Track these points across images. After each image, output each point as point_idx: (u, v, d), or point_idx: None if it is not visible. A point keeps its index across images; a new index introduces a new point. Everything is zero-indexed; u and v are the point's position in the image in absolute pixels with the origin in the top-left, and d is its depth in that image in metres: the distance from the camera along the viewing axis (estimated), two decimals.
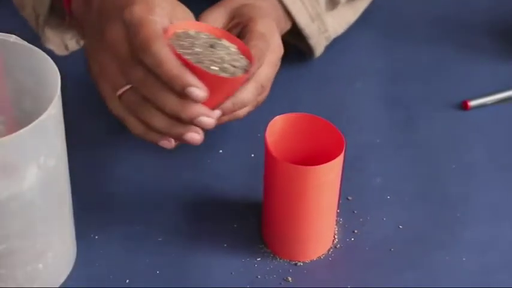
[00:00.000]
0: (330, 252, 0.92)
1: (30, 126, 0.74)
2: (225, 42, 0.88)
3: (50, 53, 0.87)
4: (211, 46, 0.86)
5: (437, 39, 1.21)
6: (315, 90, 1.12)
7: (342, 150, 0.85)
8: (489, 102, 1.10)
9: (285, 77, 1.09)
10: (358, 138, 1.04)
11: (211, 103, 0.85)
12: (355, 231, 0.94)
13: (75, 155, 1.02)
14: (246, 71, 0.85)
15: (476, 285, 0.89)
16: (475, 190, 0.99)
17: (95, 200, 0.97)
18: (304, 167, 0.85)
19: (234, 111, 0.89)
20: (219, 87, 0.84)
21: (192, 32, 0.87)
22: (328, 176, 0.85)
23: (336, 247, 0.93)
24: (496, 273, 0.91)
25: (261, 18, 0.92)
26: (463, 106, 1.10)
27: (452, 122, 1.08)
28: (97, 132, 1.05)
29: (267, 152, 0.86)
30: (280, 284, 0.89)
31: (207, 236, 0.93)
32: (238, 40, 0.88)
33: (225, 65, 0.85)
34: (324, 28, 1.07)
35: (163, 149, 0.88)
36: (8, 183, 0.76)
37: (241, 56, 0.87)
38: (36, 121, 0.75)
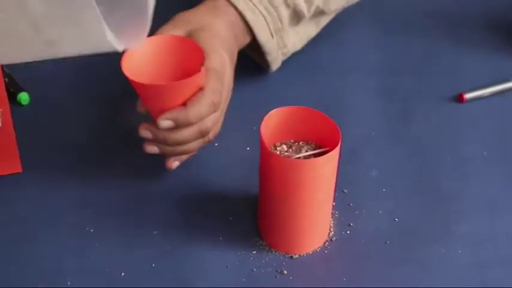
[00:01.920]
0: (325, 245, 0.92)
1: None
2: None
3: None
4: None
5: (433, 32, 1.21)
6: (311, 84, 1.12)
7: (338, 143, 0.85)
8: (485, 95, 1.10)
9: (279, 70, 1.10)
10: (354, 131, 1.04)
11: (165, 106, 0.90)
12: (351, 224, 0.94)
13: (71, 149, 1.02)
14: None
15: (472, 277, 0.90)
16: (471, 183, 0.99)
17: (90, 194, 0.97)
18: (299, 160, 0.85)
19: (188, 121, 0.90)
20: (171, 93, 0.89)
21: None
22: (324, 169, 0.85)
23: (331, 240, 0.93)
24: (491, 266, 0.91)
25: (214, 54, 0.93)
26: (459, 99, 1.10)
27: (448, 114, 1.08)
28: (93, 126, 1.05)
29: (262, 146, 0.86)
30: (276, 276, 0.89)
31: (202, 229, 0.93)
32: (194, 44, 0.92)
33: None
34: (282, 44, 1.07)
35: None
36: None
37: None
38: None
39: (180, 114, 0.90)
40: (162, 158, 0.97)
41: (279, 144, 0.90)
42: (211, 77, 0.92)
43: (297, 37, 1.10)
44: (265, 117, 0.87)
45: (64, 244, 0.92)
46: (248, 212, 0.95)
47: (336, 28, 1.16)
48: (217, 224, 0.94)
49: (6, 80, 1.07)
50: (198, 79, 0.89)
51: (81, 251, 0.91)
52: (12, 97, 1.06)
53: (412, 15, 1.24)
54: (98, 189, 0.97)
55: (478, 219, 0.95)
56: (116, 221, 0.94)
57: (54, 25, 0.77)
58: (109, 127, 1.05)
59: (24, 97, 1.07)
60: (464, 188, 0.99)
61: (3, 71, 1.08)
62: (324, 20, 1.13)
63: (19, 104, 1.07)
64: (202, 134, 0.93)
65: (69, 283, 0.88)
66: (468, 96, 1.09)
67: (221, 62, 0.94)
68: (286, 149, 0.90)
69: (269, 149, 0.86)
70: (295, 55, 1.12)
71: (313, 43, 1.13)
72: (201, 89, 0.91)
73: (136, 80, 0.88)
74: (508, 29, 1.20)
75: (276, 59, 1.08)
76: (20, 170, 0.99)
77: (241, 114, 1.06)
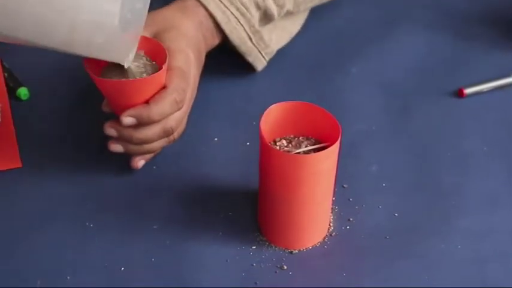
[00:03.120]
0: (325, 240, 0.92)
1: None
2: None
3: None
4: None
5: (434, 26, 1.21)
6: (311, 78, 1.12)
7: (338, 138, 0.85)
8: (485, 90, 1.10)
9: (279, 65, 1.09)
10: (353, 126, 1.04)
11: (129, 104, 0.91)
12: (351, 219, 0.94)
13: (71, 144, 1.02)
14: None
15: (471, 272, 0.90)
16: (471, 178, 0.99)
17: (90, 189, 0.97)
18: (299, 155, 0.85)
19: (151, 118, 0.90)
20: (132, 90, 0.90)
21: None
22: (324, 164, 0.85)
23: (331, 235, 0.93)
24: (490, 260, 0.91)
25: (179, 52, 0.93)
26: (459, 94, 1.10)
27: (448, 109, 1.08)
28: (92, 121, 1.05)
29: (262, 141, 0.86)
30: (276, 272, 0.89)
31: (202, 224, 0.93)
32: (156, 43, 0.92)
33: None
34: (264, 44, 1.07)
35: None
36: None
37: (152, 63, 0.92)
38: None
39: (142, 111, 0.90)
40: (163, 153, 0.98)
41: (278, 139, 0.90)
42: (175, 76, 0.92)
43: (272, 35, 1.08)
44: (265, 113, 0.87)
45: (64, 239, 0.92)
46: (248, 207, 0.95)
47: (336, 23, 1.16)
48: (217, 218, 0.94)
49: (6, 75, 1.08)
50: (159, 77, 0.90)
51: (80, 246, 0.91)
52: (11, 92, 1.06)
53: (414, 10, 1.23)
54: (97, 184, 0.97)
55: (478, 214, 0.95)
56: (116, 215, 0.94)
57: None
58: (108, 119, 1.04)
59: (23, 92, 1.07)
60: (464, 183, 0.99)
61: (3, 66, 1.08)
62: (301, 17, 1.13)
63: (18, 99, 1.07)
64: (166, 133, 0.93)
65: (68, 278, 0.88)
66: (468, 91, 1.09)
67: (186, 61, 0.94)
68: (286, 144, 0.90)
69: (269, 144, 0.86)
70: (295, 50, 1.12)
71: (313, 38, 1.13)
72: (164, 87, 0.91)
73: (98, 78, 0.89)
74: (508, 24, 1.20)
75: (258, 59, 1.07)
76: (20, 165, 0.99)
77: (241, 109, 1.06)
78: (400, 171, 1.00)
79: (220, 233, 0.93)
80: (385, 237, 0.93)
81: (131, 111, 0.90)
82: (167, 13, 0.99)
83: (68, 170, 0.99)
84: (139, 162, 0.96)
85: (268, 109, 0.88)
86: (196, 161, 1.00)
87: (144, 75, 0.90)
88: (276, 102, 0.89)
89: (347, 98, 1.09)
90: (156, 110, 0.90)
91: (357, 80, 1.12)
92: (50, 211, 0.95)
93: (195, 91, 0.97)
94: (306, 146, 0.89)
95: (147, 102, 0.91)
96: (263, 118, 0.87)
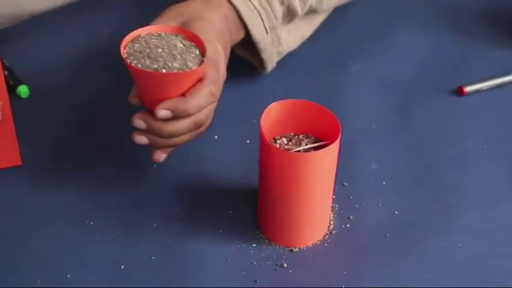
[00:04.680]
0: (325, 238, 0.92)
1: None
2: (184, 40, 0.90)
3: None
4: (169, 47, 0.88)
5: (434, 24, 1.20)
6: (311, 77, 1.12)
7: (338, 136, 0.85)
8: (485, 88, 1.10)
9: (279, 63, 1.09)
10: (354, 124, 1.04)
11: (165, 97, 0.88)
12: (351, 217, 0.94)
13: (71, 142, 1.03)
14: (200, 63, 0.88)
15: (471, 270, 0.90)
16: (471, 176, 0.99)
17: (90, 187, 0.97)
18: (299, 154, 0.85)
19: (187, 111, 0.89)
20: (172, 83, 0.87)
21: (153, 33, 0.90)
22: (324, 162, 0.85)
23: (331, 233, 0.93)
24: (490, 258, 0.91)
25: (209, 44, 0.91)
26: (459, 92, 1.10)
27: (448, 107, 1.08)
28: (92, 119, 1.05)
29: (262, 139, 0.86)
30: (276, 269, 0.89)
31: (202, 222, 0.93)
32: (192, 34, 0.90)
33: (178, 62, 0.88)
34: (277, 42, 1.05)
35: None
36: None
37: (196, 51, 0.89)
38: None
39: (179, 104, 0.88)
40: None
41: (278, 137, 0.90)
42: (209, 67, 0.90)
43: (290, 36, 1.08)
44: (265, 111, 0.87)
45: (64, 237, 0.92)
46: (248, 205, 0.95)
47: (337, 20, 1.16)
48: (217, 217, 0.94)
49: (6, 73, 1.07)
50: (201, 70, 0.88)
51: (80, 244, 0.91)
52: (11, 90, 1.06)
53: (414, 8, 1.23)
54: (97, 182, 0.97)
55: (478, 212, 0.95)
56: (116, 214, 0.94)
57: None
58: (109, 120, 1.04)
59: (23, 90, 1.07)
60: (464, 181, 0.99)
61: (3, 64, 1.08)
62: (317, 19, 1.12)
63: (19, 97, 1.07)
64: (197, 125, 0.91)
65: (68, 276, 0.88)
66: (468, 89, 1.09)
67: (216, 53, 0.93)
68: (286, 142, 0.90)
69: (269, 142, 0.86)
70: (295, 48, 1.12)
71: (313, 35, 1.13)
72: (199, 79, 0.90)
73: (140, 68, 0.86)
74: (509, 22, 1.20)
75: (271, 57, 1.06)
76: (20, 163, 0.99)
77: (241, 107, 1.06)
78: (400, 170, 1.00)
79: (221, 231, 0.93)
80: (385, 235, 0.93)
81: (167, 104, 0.87)
82: (193, 6, 0.97)
83: (68, 168, 0.99)
84: (162, 156, 0.93)
85: (268, 107, 0.88)
86: (197, 159, 1.00)
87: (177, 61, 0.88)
88: (276, 100, 0.88)
89: (347, 96, 1.09)
90: (193, 102, 0.88)
91: (357, 78, 1.12)
92: (50, 209, 0.95)
93: (222, 85, 0.95)
94: (306, 144, 0.89)
95: (181, 94, 0.88)
96: (263, 116, 0.87)
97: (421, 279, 0.89)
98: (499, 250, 0.92)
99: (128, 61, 0.86)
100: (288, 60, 1.11)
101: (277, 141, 0.90)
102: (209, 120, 0.94)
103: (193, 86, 0.89)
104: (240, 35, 1.02)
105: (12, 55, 1.11)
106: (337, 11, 1.16)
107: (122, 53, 0.87)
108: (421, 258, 0.91)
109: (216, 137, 1.03)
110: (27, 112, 1.05)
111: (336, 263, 0.90)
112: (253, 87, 1.09)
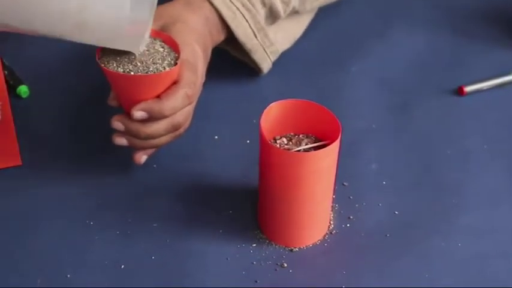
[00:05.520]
0: (325, 238, 0.92)
1: None
2: (159, 42, 0.91)
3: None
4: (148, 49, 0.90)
5: (434, 24, 1.21)
6: (311, 76, 1.12)
7: (338, 136, 0.85)
8: (485, 88, 1.10)
9: (279, 63, 1.09)
10: (354, 124, 1.04)
11: (140, 99, 0.89)
12: (351, 217, 0.94)
13: (71, 142, 1.02)
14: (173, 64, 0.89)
15: (472, 270, 0.90)
16: (471, 176, 0.99)
17: (90, 187, 0.97)
18: (299, 153, 0.85)
19: (162, 113, 0.89)
20: (146, 85, 0.89)
21: None
22: (324, 162, 0.85)
23: (331, 233, 0.93)
24: (491, 258, 0.91)
25: (186, 46, 0.92)
26: (459, 92, 1.10)
27: (448, 107, 1.08)
28: (92, 119, 1.05)
29: (262, 139, 0.86)
30: (276, 269, 0.89)
31: (202, 222, 0.93)
32: (168, 37, 0.91)
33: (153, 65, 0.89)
34: (268, 42, 1.05)
35: None
36: None
37: (175, 54, 0.90)
38: None
39: (154, 105, 0.89)
40: (163, 151, 0.97)
41: (278, 137, 0.90)
42: (185, 69, 0.91)
43: (277, 35, 1.08)
44: (265, 110, 0.87)
45: (64, 237, 0.92)
46: (248, 205, 0.95)
47: (336, 20, 1.16)
48: (217, 216, 0.94)
49: (6, 72, 1.07)
50: (174, 72, 0.89)
51: (81, 244, 0.91)
52: (12, 90, 1.06)
53: (414, 8, 1.23)
54: (97, 182, 0.97)
55: (478, 212, 0.95)
56: (116, 213, 0.94)
57: None
58: (109, 120, 1.04)
59: (23, 90, 1.07)
60: (464, 181, 0.99)
61: (3, 64, 1.08)
62: (306, 19, 1.13)
63: (19, 96, 1.07)
64: (175, 127, 0.92)
65: (68, 275, 0.88)
66: (468, 89, 1.09)
67: (194, 55, 0.93)
68: (286, 142, 0.90)
69: (269, 142, 0.86)
70: (295, 48, 1.12)
71: (313, 35, 1.13)
72: (175, 82, 0.90)
73: (113, 71, 0.88)
74: (509, 21, 1.20)
75: (263, 58, 1.06)
76: (20, 163, 0.99)
77: (241, 107, 1.06)
78: (400, 169, 1.00)
79: (221, 231, 0.93)
80: (386, 235, 0.93)
81: (143, 106, 0.89)
82: (173, 8, 0.98)
83: (68, 168, 0.99)
84: (142, 158, 0.95)
85: (268, 107, 0.88)
86: (197, 159, 1.00)
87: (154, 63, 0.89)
88: (276, 100, 0.88)
89: (347, 96, 1.09)
90: (168, 104, 0.89)
91: (357, 78, 1.12)
92: (50, 209, 0.95)
93: (201, 87, 0.96)
94: (306, 144, 0.89)
95: (157, 96, 0.90)
96: (263, 116, 0.87)
97: (421, 279, 0.89)
98: (499, 250, 0.92)
99: (101, 63, 0.88)
100: (287, 60, 1.11)
101: (277, 141, 0.90)
102: (188, 122, 0.95)
103: (169, 88, 0.90)
104: (221, 36, 1.02)
105: (12, 55, 1.11)
106: (336, 11, 1.16)
107: (97, 55, 0.89)
108: (422, 258, 0.91)
109: (216, 137, 1.03)
110: (27, 112, 1.05)
111: (336, 263, 0.90)
112: (253, 87, 1.09)
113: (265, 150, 0.87)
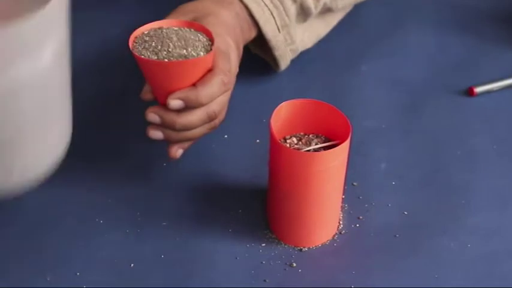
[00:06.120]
0: (334, 238, 0.92)
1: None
2: (192, 31, 0.90)
3: None
4: (180, 38, 0.89)
5: (445, 25, 1.20)
6: (320, 76, 1.12)
7: (348, 136, 0.85)
8: (495, 89, 1.10)
9: (290, 62, 1.09)
10: (363, 123, 1.04)
11: (175, 88, 0.88)
12: (360, 217, 0.94)
13: (80, 140, 1.03)
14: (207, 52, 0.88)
15: (480, 270, 0.90)
16: (480, 176, 0.99)
17: (99, 185, 0.97)
18: (309, 153, 0.85)
19: (199, 101, 0.88)
20: (180, 72, 0.87)
21: (163, 27, 0.90)
22: (334, 161, 0.85)
23: (340, 233, 0.93)
24: (500, 259, 0.91)
25: (218, 37, 0.91)
26: (469, 92, 1.10)
27: (458, 108, 1.08)
28: (102, 117, 1.05)
29: (272, 138, 0.86)
30: (285, 269, 0.89)
31: (212, 221, 0.93)
32: (201, 26, 0.90)
33: (189, 52, 0.88)
34: (290, 40, 1.05)
35: None
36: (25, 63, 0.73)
37: (206, 42, 0.89)
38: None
39: (190, 93, 0.88)
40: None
41: (288, 136, 0.90)
42: (219, 57, 0.90)
43: (305, 34, 1.08)
44: (275, 110, 0.87)
45: (73, 235, 0.92)
46: (257, 205, 0.95)
47: (347, 20, 1.16)
48: (227, 216, 0.94)
49: None
50: (210, 58, 0.88)
51: (90, 242, 0.91)
52: None
53: (424, 8, 1.23)
54: (107, 181, 0.98)
55: (487, 212, 0.95)
56: (125, 212, 0.94)
57: None
58: (118, 118, 1.05)
59: None
60: (473, 181, 0.99)
61: None
62: (333, 19, 1.12)
63: None
64: (210, 117, 0.91)
65: (78, 274, 0.88)
66: (478, 90, 1.09)
67: (226, 45, 0.93)
68: (296, 142, 0.90)
69: (279, 141, 0.86)
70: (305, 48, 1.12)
71: (324, 35, 1.13)
72: (209, 70, 0.89)
73: (148, 59, 0.87)
74: None
75: (283, 55, 1.06)
76: None
77: (251, 106, 1.06)
78: (410, 170, 1.00)
79: (230, 230, 0.93)
80: (395, 236, 0.93)
81: (178, 94, 0.87)
82: (203, 4, 0.98)
83: (77, 167, 0.99)
84: (178, 152, 0.93)
85: (278, 106, 0.88)
86: (206, 158, 1.00)
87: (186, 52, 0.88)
88: (286, 100, 0.89)
89: (357, 95, 1.09)
90: (204, 91, 0.88)
91: (367, 78, 1.12)
92: (60, 208, 0.95)
93: (235, 77, 0.95)
94: (316, 144, 0.89)
95: (193, 85, 0.88)
96: (273, 115, 0.87)
97: (430, 279, 0.89)
98: (508, 250, 0.91)
99: (135, 52, 0.87)
100: (297, 59, 1.11)
101: (287, 141, 0.90)
102: (223, 112, 0.93)
103: (204, 76, 0.89)
104: (253, 33, 1.02)
105: None
106: (348, 12, 1.15)
107: (130, 45, 0.88)
108: (430, 259, 0.90)
109: (225, 136, 1.03)
110: None
111: (345, 263, 0.90)
112: (263, 86, 1.09)
113: (275, 149, 0.87)
